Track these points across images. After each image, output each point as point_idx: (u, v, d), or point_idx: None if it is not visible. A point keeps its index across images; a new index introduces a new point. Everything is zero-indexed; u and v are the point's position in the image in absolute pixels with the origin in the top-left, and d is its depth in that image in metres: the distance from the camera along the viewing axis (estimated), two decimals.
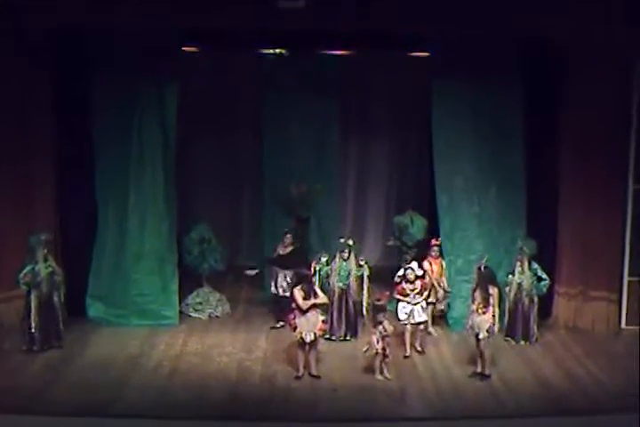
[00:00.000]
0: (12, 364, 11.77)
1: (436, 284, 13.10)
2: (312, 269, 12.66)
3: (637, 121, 13.26)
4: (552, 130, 13.48)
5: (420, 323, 12.32)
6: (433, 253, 13.29)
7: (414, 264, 12.50)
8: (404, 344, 12.20)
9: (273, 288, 13.57)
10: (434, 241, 13.40)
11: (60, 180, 13.46)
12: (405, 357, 12.09)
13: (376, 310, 11.41)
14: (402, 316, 12.21)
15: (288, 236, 13.53)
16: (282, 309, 13.08)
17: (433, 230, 14.26)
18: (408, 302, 12.17)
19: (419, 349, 12.43)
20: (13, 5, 12.03)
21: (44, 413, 10.15)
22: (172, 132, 13.56)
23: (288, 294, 12.85)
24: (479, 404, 10.65)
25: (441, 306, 13.34)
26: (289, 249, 13.50)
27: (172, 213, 13.78)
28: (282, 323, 13.06)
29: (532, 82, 13.51)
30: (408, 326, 12.19)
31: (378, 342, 11.24)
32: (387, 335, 11.27)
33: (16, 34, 12.46)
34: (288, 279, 13.27)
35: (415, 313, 12.20)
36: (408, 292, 12.16)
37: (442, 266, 13.33)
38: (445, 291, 13.29)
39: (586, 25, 12.29)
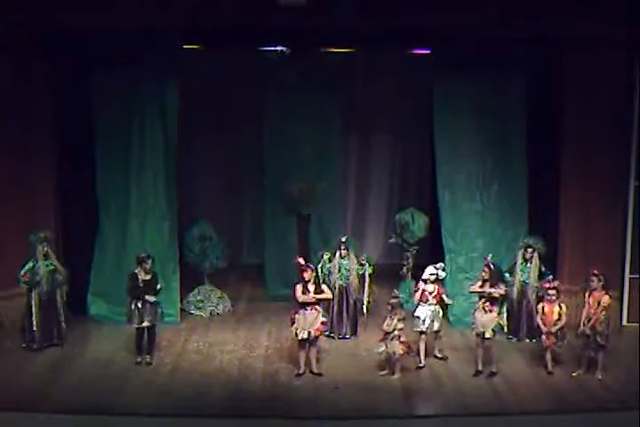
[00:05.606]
0: (13, 362, 11.76)
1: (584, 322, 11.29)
2: (302, 266, 11.55)
3: (639, 118, 13.26)
4: (554, 127, 13.47)
5: (438, 331, 11.74)
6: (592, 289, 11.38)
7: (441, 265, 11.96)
8: (419, 353, 11.61)
9: (139, 320, 11.63)
10: (593, 274, 11.45)
11: (61, 179, 13.45)
12: (419, 367, 11.55)
13: (387, 307, 11.22)
14: (418, 322, 11.59)
15: (147, 260, 11.71)
16: (150, 343, 11.79)
17: (434, 228, 14.28)
18: (427, 303, 11.54)
19: (438, 355, 11.85)
20: (13, 4, 12.02)
21: (46, 410, 10.13)
22: (173, 130, 13.57)
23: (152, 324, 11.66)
24: (481, 401, 10.62)
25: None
26: (150, 275, 11.73)
27: (173, 210, 13.79)
28: (148, 357, 11.71)
29: (533, 80, 13.50)
30: (423, 335, 11.59)
31: (392, 339, 11.12)
32: (400, 334, 11.08)
33: (16, 34, 12.45)
34: (155, 308, 11.69)
35: (435, 320, 11.61)
36: (427, 294, 11.60)
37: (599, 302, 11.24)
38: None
39: (587, 22, 12.28)
